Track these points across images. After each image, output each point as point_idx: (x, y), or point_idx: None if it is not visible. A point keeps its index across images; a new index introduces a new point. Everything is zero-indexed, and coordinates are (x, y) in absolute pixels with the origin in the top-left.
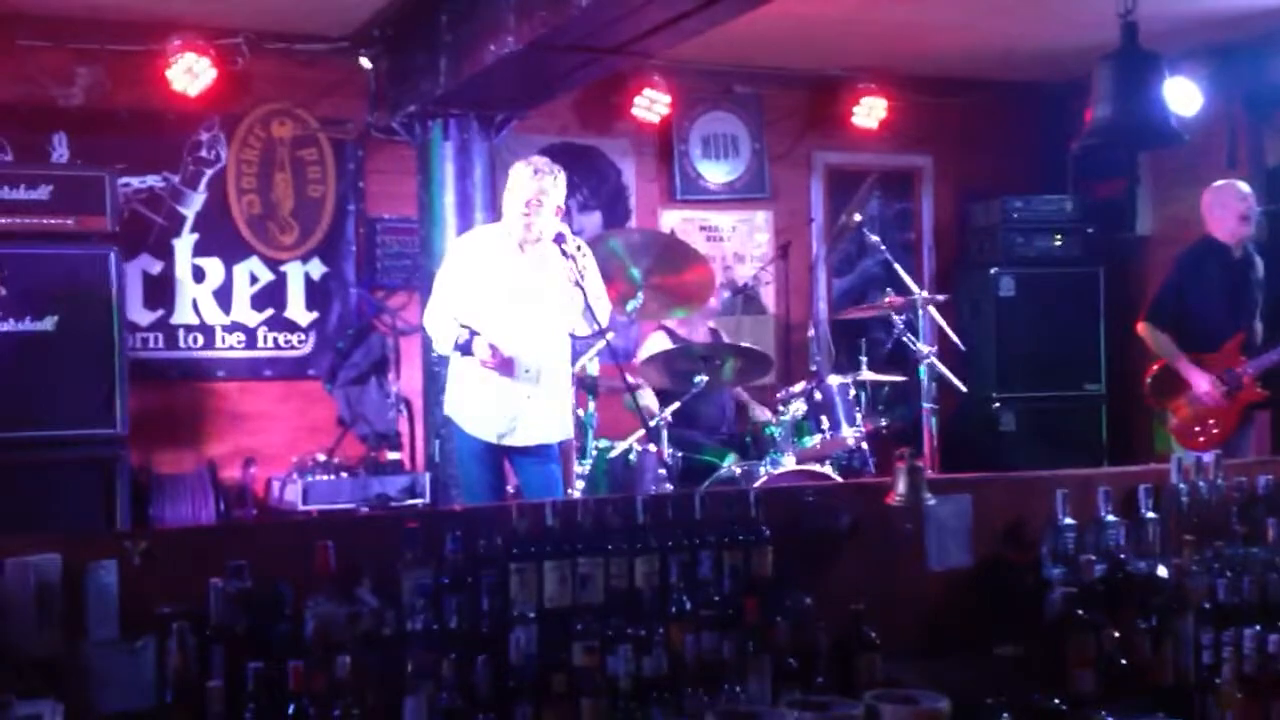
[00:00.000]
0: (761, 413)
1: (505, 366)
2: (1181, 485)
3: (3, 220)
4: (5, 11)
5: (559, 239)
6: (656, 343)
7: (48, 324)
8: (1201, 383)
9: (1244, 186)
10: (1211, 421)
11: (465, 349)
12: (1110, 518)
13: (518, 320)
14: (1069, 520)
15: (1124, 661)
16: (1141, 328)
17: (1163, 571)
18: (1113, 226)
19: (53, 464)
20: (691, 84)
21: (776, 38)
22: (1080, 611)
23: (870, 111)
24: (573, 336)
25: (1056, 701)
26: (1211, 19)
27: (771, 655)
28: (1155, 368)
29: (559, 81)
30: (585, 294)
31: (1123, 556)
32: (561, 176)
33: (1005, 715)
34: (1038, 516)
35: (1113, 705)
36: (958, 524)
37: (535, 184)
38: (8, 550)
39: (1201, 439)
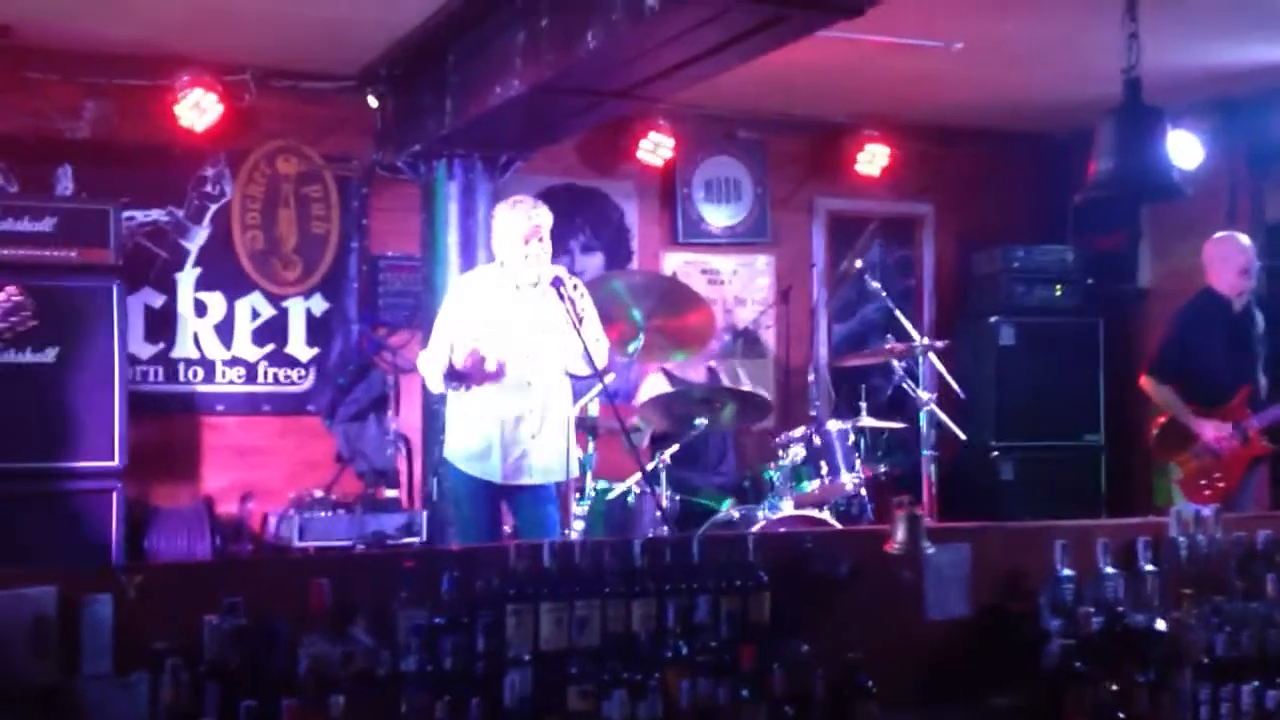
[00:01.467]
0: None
1: (476, 367)
2: (1180, 538)
3: (6, 251)
4: (15, 45)
5: (556, 282)
6: (654, 384)
7: (49, 355)
8: (1208, 430)
9: (1245, 239)
10: (1218, 475)
11: (450, 372)
12: (1109, 570)
13: (517, 362)
14: (1067, 571)
15: (1121, 715)
16: (1145, 382)
17: (1161, 625)
18: (1113, 278)
19: (50, 495)
20: (696, 128)
21: (781, 84)
22: (1078, 664)
23: (873, 159)
24: (571, 376)
25: None
26: (1214, 74)
27: (767, 703)
28: (1161, 421)
29: (564, 124)
30: (583, 336)
31: (1121, 609)
32: (545, 209)
33: None
34: (1036, 567)
35: None
36: (956, 573)
37: (527, 219)
38: (3, 582)
39: (1208, 493)
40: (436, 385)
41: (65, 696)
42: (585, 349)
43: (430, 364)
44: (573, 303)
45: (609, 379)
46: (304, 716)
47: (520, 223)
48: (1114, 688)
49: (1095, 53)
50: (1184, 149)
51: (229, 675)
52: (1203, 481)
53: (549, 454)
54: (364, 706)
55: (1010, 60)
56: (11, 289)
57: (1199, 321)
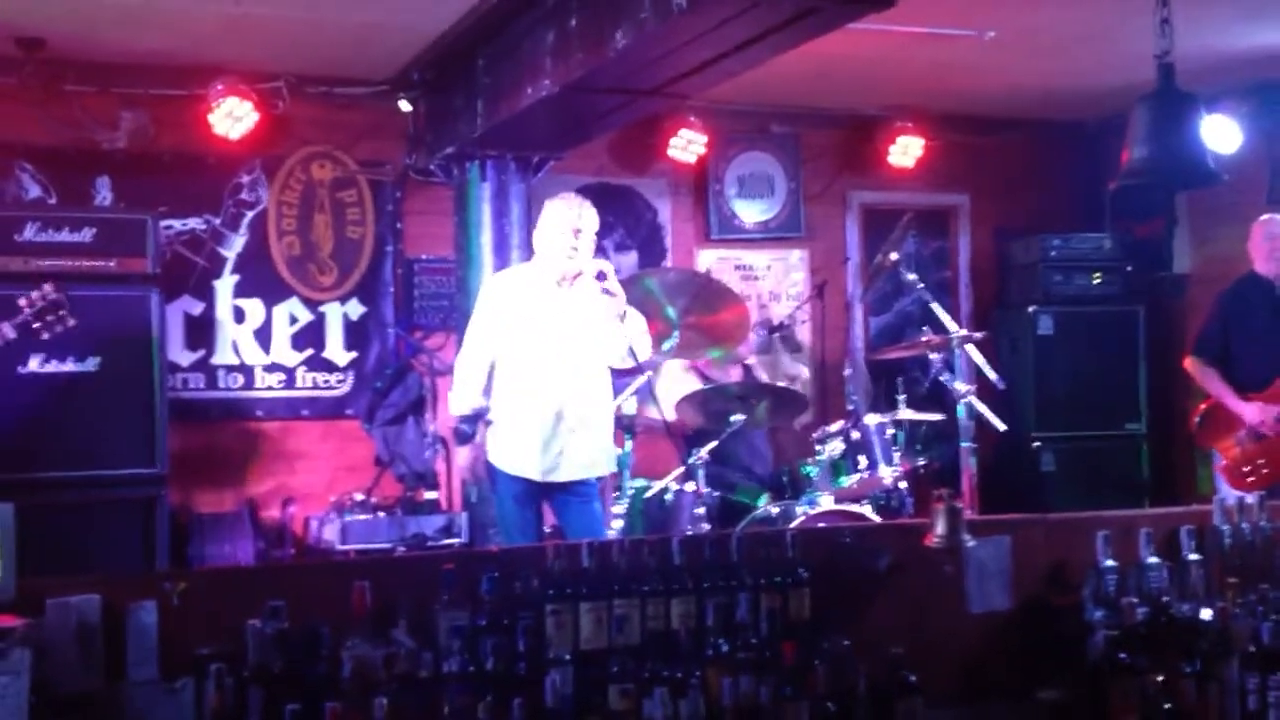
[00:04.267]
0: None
1: (473, 480)
2: (1225, 527)
3: (47, 262)
4: (52, 57)
5: (600, 276)
6: (676, 379)
7: (90, 365)
8: (1254, 413)
9: None
10: (1261, 462)
11: (460, 439)
12: (1152, 560)
13: (557, 358)
14: (1111, 562)
15: (1168, 706)
16: (1189, 363)
17: (1206, 614)
18: (1152, 265)
19: (94, 503)
20: (727, 124)
21: (812, 77)
22: (1123, 655)
23: (906, 150)
24: (612, 371)
25: None
26: (1250, 57)
27: (809, 699)
28: (1203, 407)
29: (596, 123)
30: (625, 330)
31: (1166, 599)
32: (592, 208)
33: None
34: (1079, 558)
35: None
36: (998, 566)
37: (573, 216)
38: (49, 590)
39: (1251, 479)
40: (455, 409)
41: (111, 703)
42: (628, 344)
43: (464, 391)
44: (617, 297)
45: (648, 376)
46: (347, 719)
47: (567, 219)
48: (1160, 679)
49: (1128, 39)
50: (1221, 133)
51: (273, 679)
52: (1246, 468)
53: (589, 449)
54: (407, 708)
55: (1043, 48)
56: (47, 287)
57: (1241, 304)
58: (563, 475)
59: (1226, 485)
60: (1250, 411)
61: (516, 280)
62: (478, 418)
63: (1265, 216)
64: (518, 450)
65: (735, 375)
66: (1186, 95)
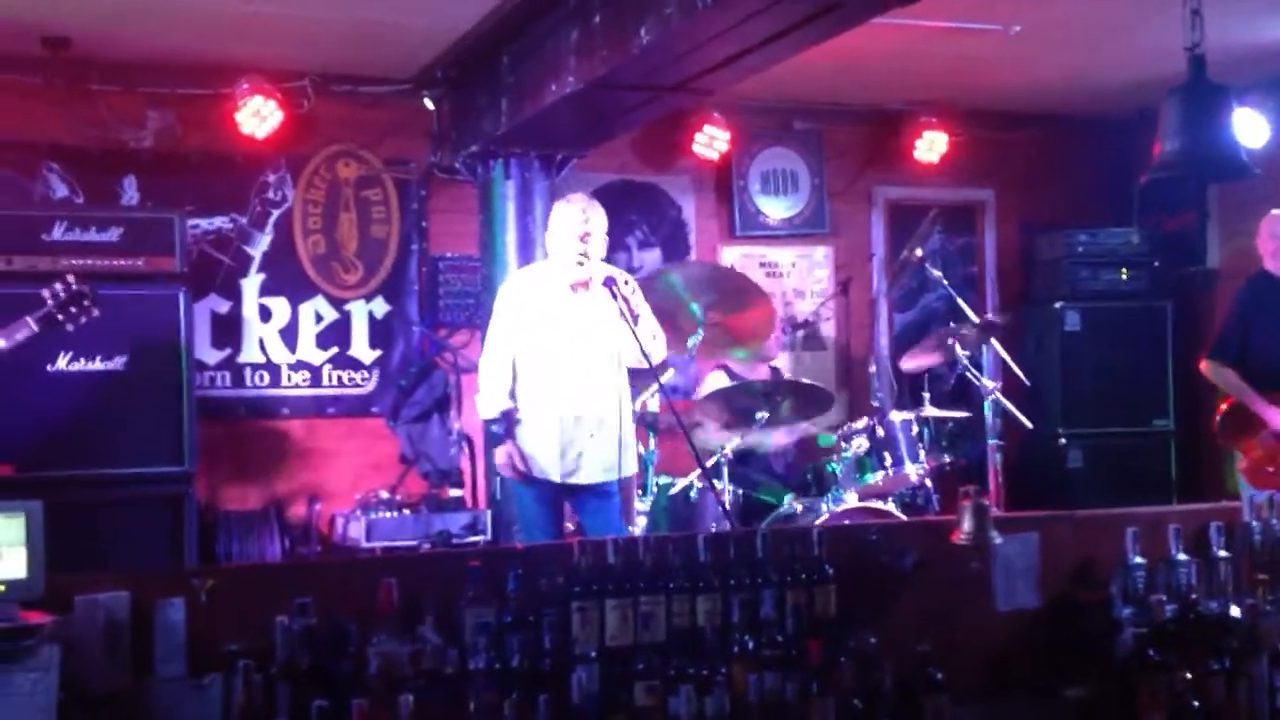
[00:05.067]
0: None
1: (516, 476)
2: (1254, 523)
3: (74, 261)
4: (78, 57)
5: (609, 282)
6: (716, 382)
7: (118, 363)
8: (1277, 417)
9: None
10: None
11: (491, 441)
12: (1181, 556)
13: (572, 360)
14: (1139, 559)
15: (1196, 704)
16: (1205, 366)
17: (1236, 612)
18: (1181, 260)
19: (122, 501)
20: (751, 120)
21: (836, 73)
22: (1151, 653)
23: (931, 146)
24: (631, 372)
25: None
26: (1278, 50)
27: (835, 696)
28: (1224, 406)
29: (619, 120)
30: (638, 335)
31: (1194, 597)
32: (601, 209)
33: None
34: (1107, 555)
35: None
36: (1025, 563)
37: (581, 220)
38: (77, 588)
39: (1276, 479)
40: (483, 413)
41: (139, 700)
42: (641, 347)
43: (489, 394)
44: (626, 301)
45: (667, 376)
46: (374, 715)
47: (574, 222)
48: (1188, 676)
49: (1157, 31)
50: (1250, 127)
51: (300, 676)
52: (1270, 469)
53: (607, 452)
54: (433, 705)
55: (1070, 41)
56: (70, 277)
57: (1257, 303)
58: (583, 478)
59: (1249, 485)
60: (1276, 416)
61: (532, 281)
62: (507, 418)
63: (1274, 212)
64: (538, 453)
65: (762, 373)
66: (1218, 87)
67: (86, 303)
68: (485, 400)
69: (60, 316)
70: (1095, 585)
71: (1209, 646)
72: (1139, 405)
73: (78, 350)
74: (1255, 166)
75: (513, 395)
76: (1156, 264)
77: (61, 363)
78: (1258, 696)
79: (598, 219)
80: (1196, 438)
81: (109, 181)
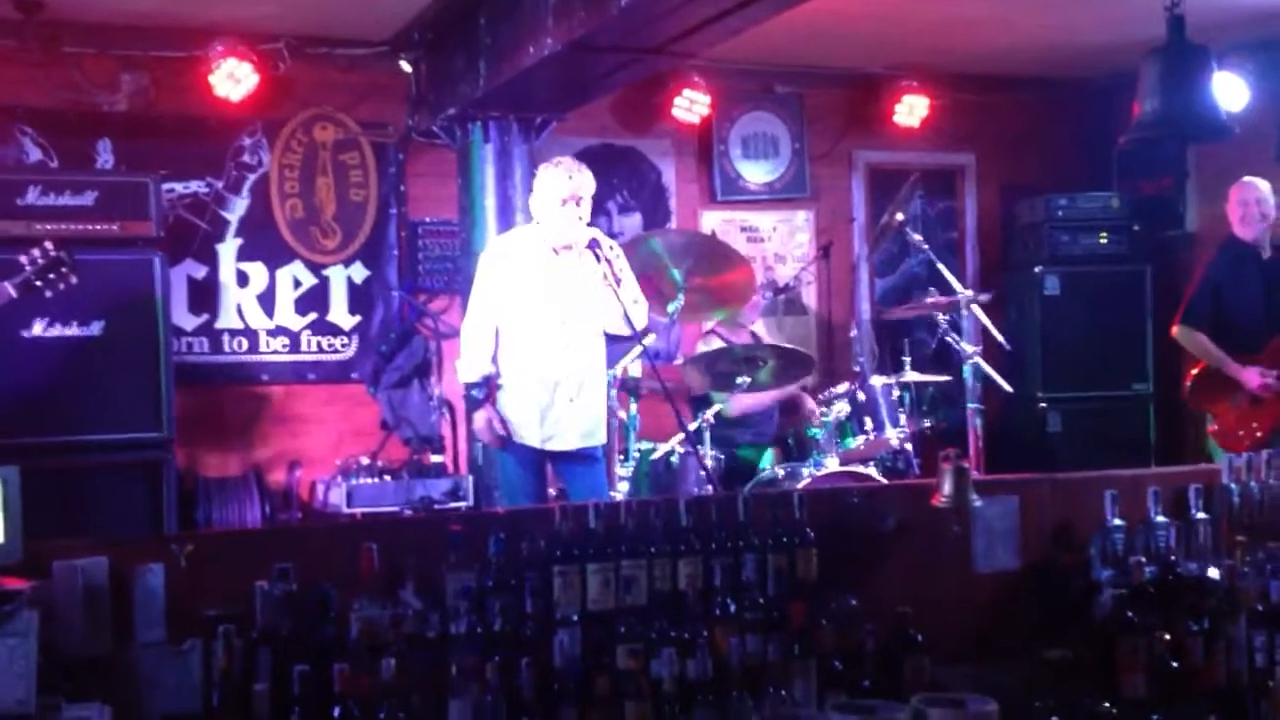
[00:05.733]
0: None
1: (495, 442)
2: (1232, 485)
3: (49, 226)
4: (51, 20)
5: (593, 244)
6: (709, 347)
7: (94, 329)
8: (1254, 376)
9: (1262, 184)
10: (1255, 424)
11: (471, 406)
12: (1160, 519)
13: (553, 325)
14: (1118, 521)
15: (1175, 665)
16: (1177, 332)
17: (1214, 573)
18: (1160, 223)
19: (100, 467)
20: (731, 84)
21: (817, 36)
22: (1130, 614)
23: (912, 110)
24: (610, 338)
25: (1106, 705)
26: (1259, 13)
27: (817, 658)
28: (1194, 371)
29: (598, 83)
30: (620, 298)
31: (1173, 558)
32: (589, 174)
33: (1054, 719)
34: (1086, 518)
35: (1164, 709)
36: (1005, 526)
37: (569, 182)
38: (56, 553)
39: (1246, 442)
40: (463, 377)
41: (119, 665)
42: (624, 311)
43: (470, 359)
44: (610, 264)
45: (649, 340)
46: (356, 680)
47: (560, 185)
48: (1167, 637)
49: None
50: (1229, 90)
51: (281, 641)
52: (1241, 431)
53: (586, 417)
54: (415, 669)
55: (1050, 4)
56: (47, 244)
57: (1228, 269)
58: (561, 444)
59: (1220, 449)
60: (1251, 375)
61: (514, 246)
62: (487, 383)
63: (1245, 179)
64: (517, 417)
65: (744, 337)
66: (1197, 47)
67: (64, 269)
68: (466, 365)
69: (38, 283)
70: (1074, 547)
71: (1187, 608)
72: (1118, 369)
73: (54, 316)
74: (1235, 127)
75: (494, 360)
76: (1136, 228)
77: (38, 329)
78: (1235, 657)
79: (585, 182)
80: (1175, 401)
81: (83, 145)
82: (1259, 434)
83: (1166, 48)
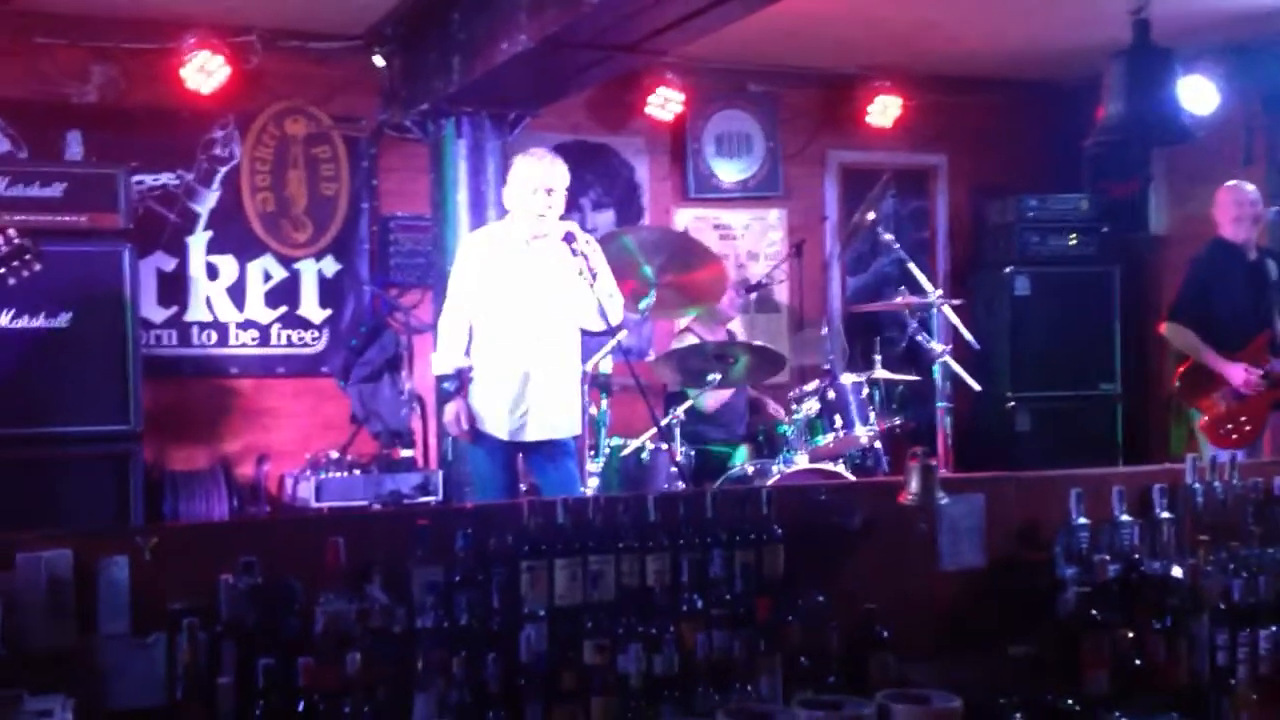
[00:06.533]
0: (776, 411)
1: (465, 435)
2: (1196, 485)
3: (17, 217)
4: (21, 9)
5: (569, 238)
6: (684, 344)
7: (62, 321)
8: (1238, 372)
9: (1250, 188)
10: (1244, 419)
11: (442, 398)
12: (1125, 518)
13: (526, 318)
14: (1083, 520)
15: (1138, 662)
16: (1165, 328)
17: (1177, 572)
18: (1128, 226)
19: (66, 460)
20: (705, 82)
21: (790, 36)
22: (1094, 612)
23: (885, 110)
24: (585, 333)
25: (1070, 702)
26: (1227, 17)
27: (783, 654)
28: (1182, 369)
29: (572, 79)
30: (596, 292)
31: (1137, 557)
32: (564, 165)
33: (1018, 715)
34: (1052, 516)
35: (1126, 706)
36: (971, 523)
37: (543, 173)
38: (20, 545)
39: (1234, 436)
40: (436, 369)
41: (83, 657)
42: (599, 305)
43: (445, 351)
44: (585, 258)
45: (622, 335)
46: (321, 674)
47: (533, 173)
48: (1130, 635)
49: None
50: (1198, 94)
51: (246, 634)
52: (1228, 426)
53: (556, 410)
54: (380, 663)
55: (1023, 7)
56: (11, 232)
57: (1217, 268)
58: (529, 435)
59: (1209, 443)
60: (1236, 372)
61: (489, 239)
62: (460, 376)
63: (1232, 183)
64: (486, 409)
65: (719, 335)
66: (1161, 51)
67: (28, 257)
68: (439, 357)
69: (2, 271)
70: (1040, 545)
71: (1151, 606)
72: (1086, 369)
73: (20, 308)
74: (1198, 130)
75: (469, 353)
76: (1104, 230)
77: (4, 320)
78: (1198, 654)
79: (560, 174)
80: (1142, 401)
81: (52, 136)
82: (1248, 429)
83: (1130, 51)
